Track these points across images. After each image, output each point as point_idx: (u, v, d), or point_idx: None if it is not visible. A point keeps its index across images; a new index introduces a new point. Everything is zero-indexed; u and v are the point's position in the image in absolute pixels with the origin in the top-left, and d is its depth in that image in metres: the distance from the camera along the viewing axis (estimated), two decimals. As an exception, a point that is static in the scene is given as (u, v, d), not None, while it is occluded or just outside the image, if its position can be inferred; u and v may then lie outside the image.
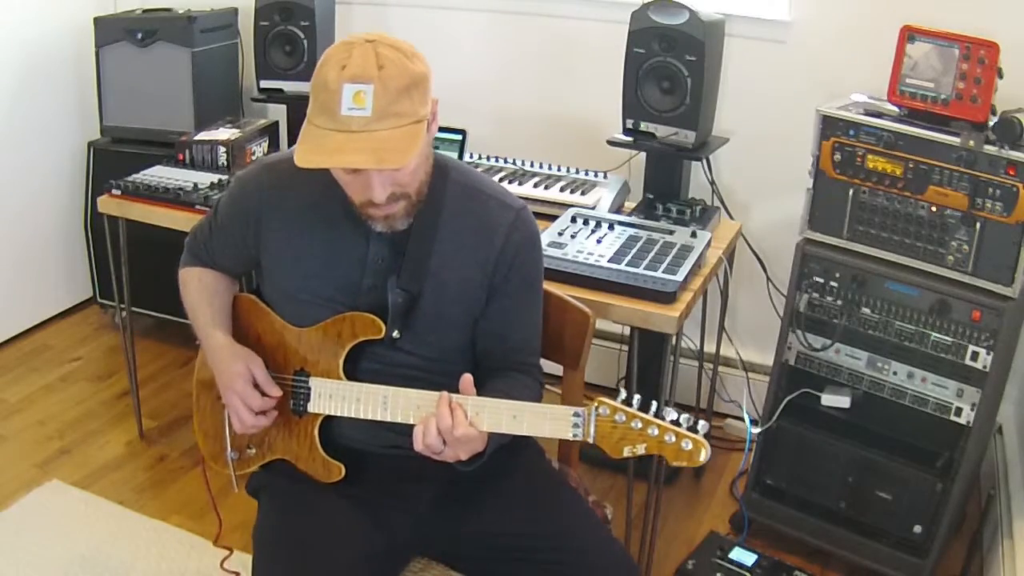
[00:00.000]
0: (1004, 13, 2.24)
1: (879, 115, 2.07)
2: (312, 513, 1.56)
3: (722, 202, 2.62)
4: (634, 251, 2.09)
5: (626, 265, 2.02)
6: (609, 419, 1.38)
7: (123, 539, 2.37)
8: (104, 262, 2.87)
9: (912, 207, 2.05)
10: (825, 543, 2.32)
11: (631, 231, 2.19)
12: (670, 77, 2.34)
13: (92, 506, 2.49)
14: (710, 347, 2.70)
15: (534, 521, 1.57)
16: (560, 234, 2.16)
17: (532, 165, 2.63)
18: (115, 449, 2.76)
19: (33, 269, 3.33)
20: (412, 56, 1.39)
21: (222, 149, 2.68)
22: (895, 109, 2.07)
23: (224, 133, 2.75)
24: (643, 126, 2.41)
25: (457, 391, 1.44)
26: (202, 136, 2.73)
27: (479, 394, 1.44)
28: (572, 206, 2.35)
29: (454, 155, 2.42)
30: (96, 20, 3.06)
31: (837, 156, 2.11)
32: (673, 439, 1.36)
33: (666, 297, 1.95)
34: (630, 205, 2.50)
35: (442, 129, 2.26)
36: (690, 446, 1.36)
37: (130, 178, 2.53)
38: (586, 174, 2.57)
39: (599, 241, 2.13)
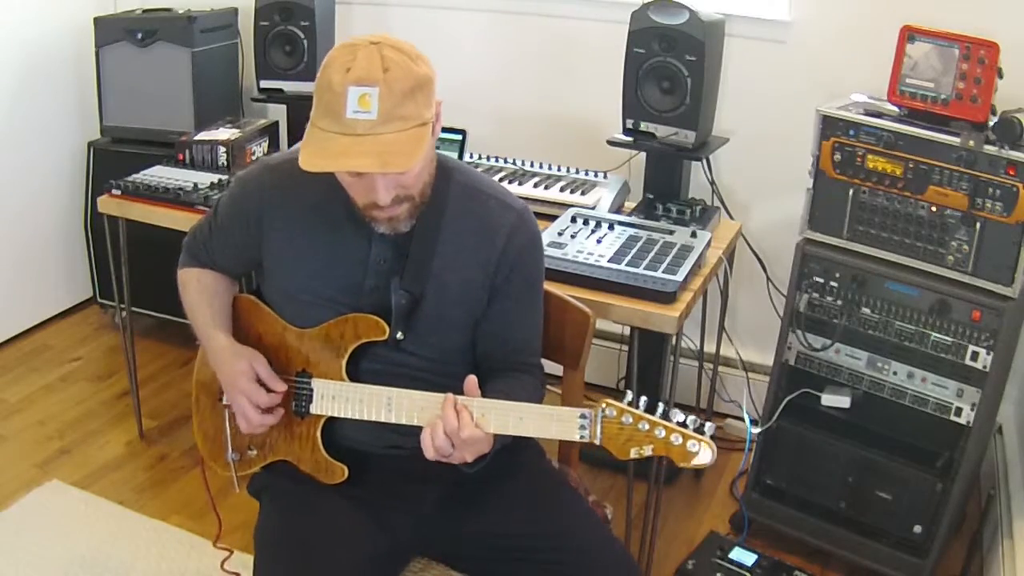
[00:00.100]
0: (1004, 13, 2.24)
1: (879, 115, 2.07)
2: (314, 514, 1.56)
3: (722, 202, 2.62)
4: (634, 251, 2.09)
5: (626, 265, 2.02)
6: (616, 421, 1.38)
7: (123, 539, 2.37)
8: (104, 262, 2.87)
9: (912, 207, 2.05)
10: (825, 543, 2.32)
11: (631, 231, 2.19)
12: (670, 77, 2.34)
13: (92, 506, 2.49)
14: (710, 347, 2.70)
15: (535, 521, 1.57)
16: (560, 234, 2.16)
17: (532, 165, 2.63)
18: (115, 449, 2.76)
19: (33, 269, 3.33)
20: (417, 58, 1.39)
21: (222, 149, 2.68)
22: (895, 109, 2.07)
23: (224, 133, 2.75)
24: (643, 126, 2.41)
25: (459, 391, 1.44)
26: (202, 136, 2.73)
27: (482, 394, 1.44)
28: (572, 206, 2.35)
29: (454, 155, 2.41)
30: (96, 20, 3.06)
31: (837, 156, 2.11)
32: (680, 440, 1.36)
33: (666, 297, 1.95)
34: (630, 205, 2.50)
35: (442, 129, 2.25)
36: (697, 447, 1.36)
37: (130, 178, 2.53)
38: (586, 174, 2.57)
39: (599, 241, 2.13)
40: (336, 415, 1.56)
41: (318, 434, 1.58)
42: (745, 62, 2.64)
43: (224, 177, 2.57)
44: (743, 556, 2.25)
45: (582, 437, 1.40)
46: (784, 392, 2.31)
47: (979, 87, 1.92)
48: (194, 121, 3.00)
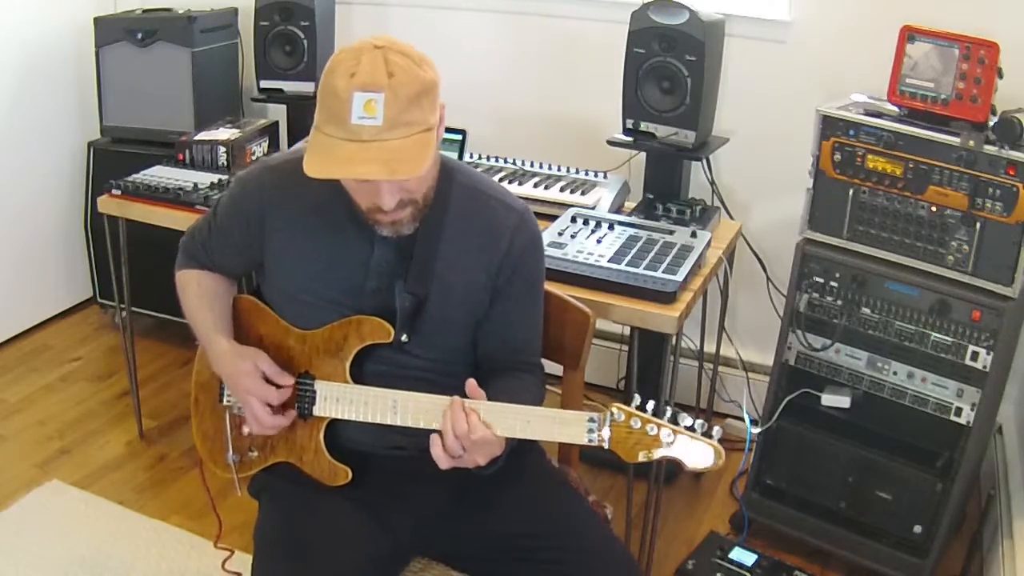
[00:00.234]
0: (1004, 13, 2.24)
1: (879, 115, 2.07)
2: (315, 515, 1.55)
3: (722, 202, 2.62)
4: (634, 251, 2.09)
5: (626, 265, 2.02)
6: (624, 424, 1.38)
7: (123, 539, 2.37)
8: (104, 262, 2.87)
9: (912, 207, 2.05)
10: (825, 543, 2.32)
11: (631, 231, 2.19)
12: (670, 77, 2.34)
13: (92, 506, 2.49)
14: (710, 347, 2.70)
15: (535, 521, 1.57)
16: (560, 234, 2.16)
17: (532, 165, 2.63)
18: (115, 449, 2.76)
19: (33, 269, 3.33)
20: (421, 62, 1.38)
21: (222, 149, 2.68)
22: (895, 109, 2.07)
23: (224, 133, 2.75)
24: (643, 126, 2.41)
25: (461, 392, 1.44)
26: (202, 136, 2.73)
27: (486, 395, 1.44)
28: (572, 206, 2.35)
29: (454, 155, 2.42)
30: (96, 20, 3.06)
31: (837, 156, 2.10)
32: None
33: (666, 297, 1.95)
34: (630, 205, 2.50)
35: (442, 129, 2.26)
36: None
37: (130, 178, 2.53)
38: (586, 174, 2.57)
39: (599, 241, 2.13)
40: (340, 417, 1.56)
41: (321, 436, 1.58)
42: (745, 62, 2.64)
43: (224, 177, 2.57)
44: (743, 556, 2.25)
45: (590, 441, 1.40)
46: (784, 392, 2.31)
47: (979, 87, 1.92)
48: (194, 121, 3.00)
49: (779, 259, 2.57)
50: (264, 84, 2.97)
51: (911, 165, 2.02)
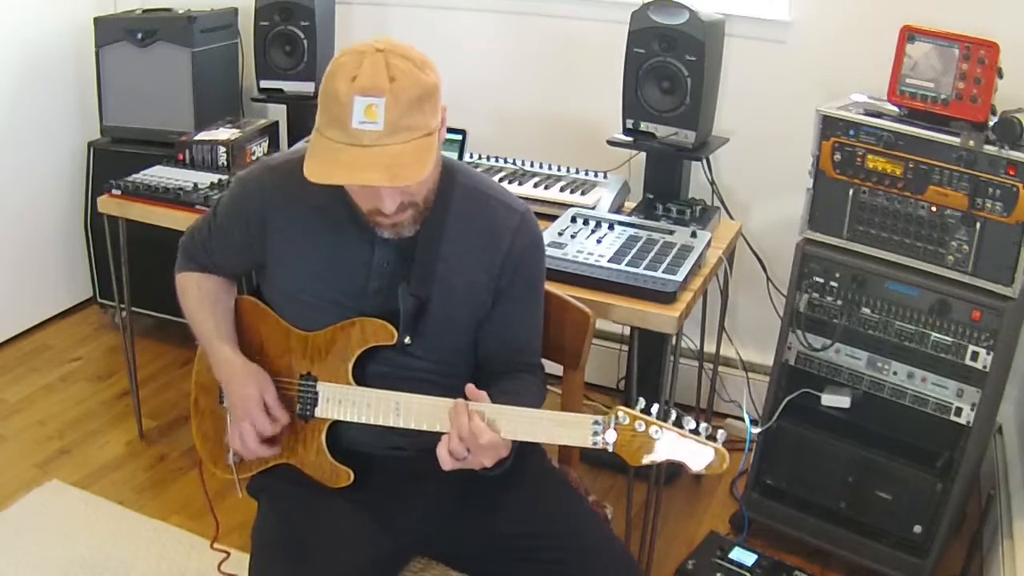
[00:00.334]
0: (1004, 13, 2.24)
1: (879, 115, 2.07)
2: (314, 516, 1.55)
3: (722, 202, 2.62)
4: (634, 251, 2.09)
5: (626, 265, 2.02)
6: (629, 427, 1.38)
7: (123, 539, 2.37)
8: (104, 262, 2.87)
9: (912, 207, 2.05)
10: (825, 543, 2.32)
11: (631, 231, 2.19)
12: (670, 77, 2.34)
13: (92, 506, 2.49)
14: (710, 347, 2.70)
15: (536, 521, 1.57)
16: (560, 234, 2.16)
17: (532, 165, 2.63)
18: (115, 449, 2.76)
19: (33, 269, 3.33)
20: (423, 66, 1.38)
21: (222, 149, 2.68)
22: (895, 109, 2.07)
23: (224, 133, 2.75)
24: (643, 126, 2.41)
25: (463, 393, 1.44)
26: (202, 136, 2.73)
27: (488, 396, 1.44)
28: (572, 206, 2.35)
29: (454, 155, 2.42)
30: (96, 20, 3.06)
31: (837, 156, 2.10)
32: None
33: (666, 297, 1.95)
34: (630, 205, 2.50)
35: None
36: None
37: (130, 178, 2.53)
38: (586, 174, 2.57)
39: (599, 241, 2.13)
40: (342, 419, 1.56)
41: (323, 438, 1.58)
42: (745, 62, 2.64)
43: (224, 177, 2.57)
44: (743, 556, 2.25)
45: (595, 444, 1.40)
46: (784, 392, 2.31)
47: (979, 87, 1.92)
48: (194, 121, 3.00)
49: (779, 259, 2.57)
50: (264, 84, 2.97)
51: (911, 165, 2.02)
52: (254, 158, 2.77)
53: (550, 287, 1.73)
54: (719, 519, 2.54)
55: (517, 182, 2.52)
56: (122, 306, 2.68)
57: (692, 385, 2.78)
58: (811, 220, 2.18)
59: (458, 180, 1.57)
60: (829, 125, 2.10)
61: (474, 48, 2.98)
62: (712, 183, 2.60)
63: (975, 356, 2.04)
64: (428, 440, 1.45)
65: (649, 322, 1.96)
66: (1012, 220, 1.91)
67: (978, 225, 1.96)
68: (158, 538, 2.38)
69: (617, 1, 2.62)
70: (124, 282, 2.62)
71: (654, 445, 1.37)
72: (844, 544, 2.29)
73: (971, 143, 1.92)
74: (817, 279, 2.20)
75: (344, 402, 1.55)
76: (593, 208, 2.37)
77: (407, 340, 1.54)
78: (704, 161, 2.52)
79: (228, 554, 1.91)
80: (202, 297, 1.67)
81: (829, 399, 2.27)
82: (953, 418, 2.10)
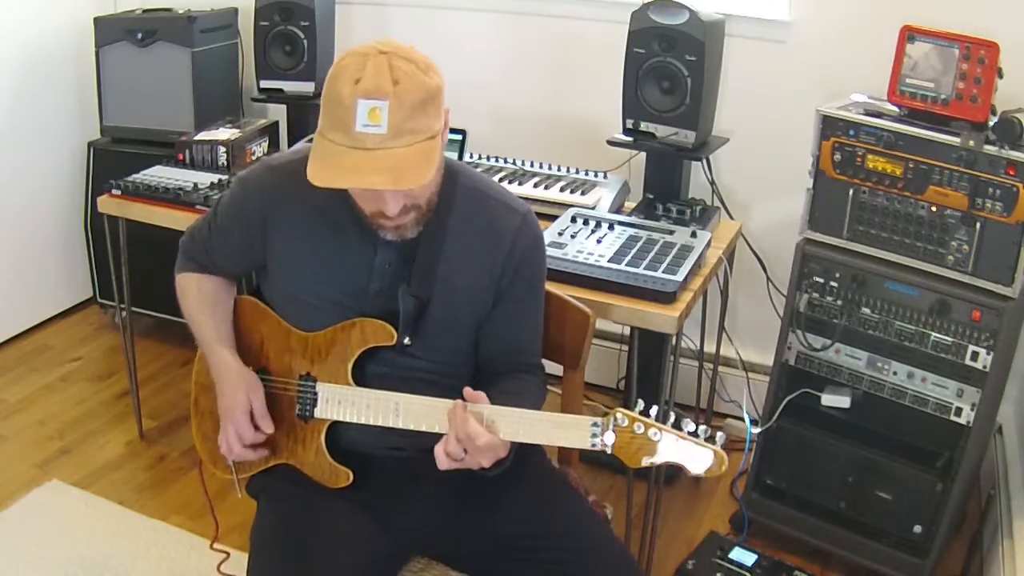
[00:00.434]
0: (1004, 13, 2.24)
1: (879, 115, 2.07)
2: (313, 515, 1.55)
3: (722, 202, 2.62)
4: (634, 251, 2.09)
5: (626, 265, 2.02)
6: (628, 429, 1.38)
7: (123, 539, 2.37)
8: (104, 262, 2.87)
9: (912, 207, 2.05)
10: (825, 543, 2.32)
11: (631, 231, 2.19)
12: (670, 77, 2.34)
13: (92, 506, 2.49)
14: (710, 347, 2.70)
15: (535, 521, 1.57)
16: (560, 234, 2.16)
17: (532, 165, 2.63)
18: (115, 449, 2.76)
19: (33, 269, 3.33)
20: (427, 69, 1.38)
21: (222, 149, 2.68)
22: (895, 109, 2.07)
23: (224, 133, 2.75)
24: (643, 126, 2.41)
25: (463, 395, 1.43)
26: (202, 136, 2.73)
27: (488, 396, 1.44)
28: (572, 206, 2.35)
29: (454, 155, 2.42)
30: (96, 20, 3.06)
31: (837, 156, 2.10)
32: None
33: (666, 297, 1.95)
34: (630, 205, 2.50)
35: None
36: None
37: (130, 178, 2.53)
38: (586, 174, 2.57)
39: (599, 241, 2.13)
40: (342, 420, 1.56)
41: (322, 438, 1.58)
42: (745, 62, 2.64)
43: (224, 177, 2.57)
44: (743, 556, 2.25)
45: (594, 446, 1.40)
46: (784, 392, 2.31)
47: (979, 87, 1.92)
48: (194, 121, 3.00)
49: (779, 259, 2.57)
50: (264, 84, 2.97)
51: (911, 165, 2.02)
52: (254, 158, 2.77)
53: (550, 287, 1.73)
54: (719, 519, 2.54)
55: (517, 182, 2.52)
56: (122, 306, 2.68)
57: (692, 385, 2.78)
58: (811, 220, 2.18)
59: (460, 181, 1.57)
60: (829, 125, 2.10)
61: (474, 48, 2.98)
62: (712, 183, 2.60)
63: (975, 356, 2.04)
64: (427, 440, 1.45)
65: (649, 322, 1.96)
66: (1012, 220, 1.91)
67: (978, 225, 1.96)
68: (158, 538, 2.38)
69: (617, 1, 2.62)
70: (124, 282, 2.62)
71: (653, 447, 1.37)
72: (844, 544, 2.29)
73: (971, 143, 1.92)
74: (817, 279, 2.20)
75: (343, 403, 1.55)
76: (593, 208, 2.37)
77: (407, 341, 1.54)
78: (704, 161, 2.52)
79: (228, 554, 1.91)
80: (202, 298, 1.67)
81: (829, 399, 2.27)
82: (953, 418, 2.10)
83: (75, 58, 3.24)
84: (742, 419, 2.69)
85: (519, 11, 2.89)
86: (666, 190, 2.50)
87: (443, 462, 1.41)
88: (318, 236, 1.55)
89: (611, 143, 2.50)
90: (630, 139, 2.45)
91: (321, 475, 1.58)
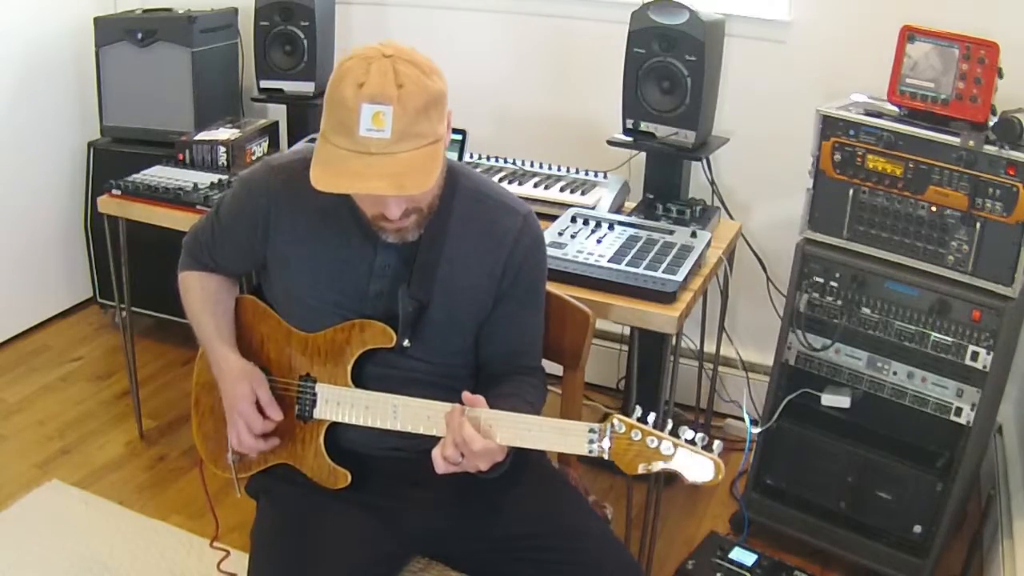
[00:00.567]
0: (1004, 13, 2.24)
1: (879, 115, 2.07)
2: (313, 516, 1.55)
3: (722, 202, 2.62)
4: (634, 251, 2.09)
5: (626, 265, 2.02)
6: (625, 436, 1.37)
7: (123, 539, 2.37)
8: (104, 262, 2.87)
9: (912, 207, 2.05)
10: (825, 543, 2.32)
11: (631, 231, 2.19)
12: (670, 77, 2.34)
13: (92, 506, 2.49)
14: (710, 347, 2.70)
15: (535, 521, 1.57)
16: (560, 234, 2.16)
17: (532, 165, 2.63)
18: (115, 449, 2.76)
19: (33, 269, 3.33)
20: (431, 73, 1.37)
21: (222, 149, 2.68)
22: (895, 109, 2.07)
23: (224, 133, 2.75)
24: (643, 126, 2.41)
25: (463, 396, 1.43)
26: (202, 136, 2.73)
27: (487, 399, 1.44)
28: (572, 206, 2.35)
29: (454, 155, 2.42)
30: (96, 20, 3.06)
31: (837, 156, 2.10)
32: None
33: (666, 297, 1.95)
34: (630, 205, 2.50)
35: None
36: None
37: (130, 178, 2.53)
38: (586, 174, 2.57)
39: (599, 241, 2.13)
40: (341, 421, 1.55)
41: (321, 439, 1.58)
42: (745, 62, 2.64)
43: (224, 177, 2.57)
44: (743, 556, 2.25)
45: (591, 452, 1.40)
46: (784, 392, 2.31)
47: (979, 87, 1.92)
48: (194, 121, 3.00)
49: (779, 259, 2.57)
50: (264, 84, 2.97)
51: (911, 165, 2.02)
52: (254, 158, 2.77)
53: (550, 287, 1.73)
54: (719, 519, 2.54)
55: (517, 182, 2.52)
56: (122, 306, 2.68)
57: (692, 385, 2.78)
58: (811, 220, 2.18)
59: (461, 183, 1.56)
60: (829, 125, 2.10)
61: (474, 48, 2.98)
62: (712, 183, 2.60)
63: (975, 356, 2.04)
64: (427, 442, 1.45)
65: (649, 322, 1.96)
66: (1012, 220, 1.91)
67: (978, 225, 1.96)
68: (158, 538, 2.38)
69: (617, 1, 2.62)
70: (124, 282, 2.62)
71: (650, 454, 1.36)
72: (844, 544, 2.29)
73: (971, 143, 1.92)
74: (817, 279, 2.20)
75: (342, 404, 1.55)
76: (593, 208, 2.37)
77: (406, 343, 1.53)
78: (704, 161, 2.52)
79: (228, 553, 1.91)
80: (205, 297, 1.67)
81: (829, 399, 2.27)
82: (953, 418, 2.10)
83: (75, 58, 3.24)
84: (742, 419, 2.68)
85: (519, 11, 2.89)
86: (666, 190, 2.50)
87: (440, 466, 1.41)
88: (319, 237, 1.55)
89: (611, 143, 2.50)
90: (630, 139, 2.45)
91: (320, 476, 1.58)
